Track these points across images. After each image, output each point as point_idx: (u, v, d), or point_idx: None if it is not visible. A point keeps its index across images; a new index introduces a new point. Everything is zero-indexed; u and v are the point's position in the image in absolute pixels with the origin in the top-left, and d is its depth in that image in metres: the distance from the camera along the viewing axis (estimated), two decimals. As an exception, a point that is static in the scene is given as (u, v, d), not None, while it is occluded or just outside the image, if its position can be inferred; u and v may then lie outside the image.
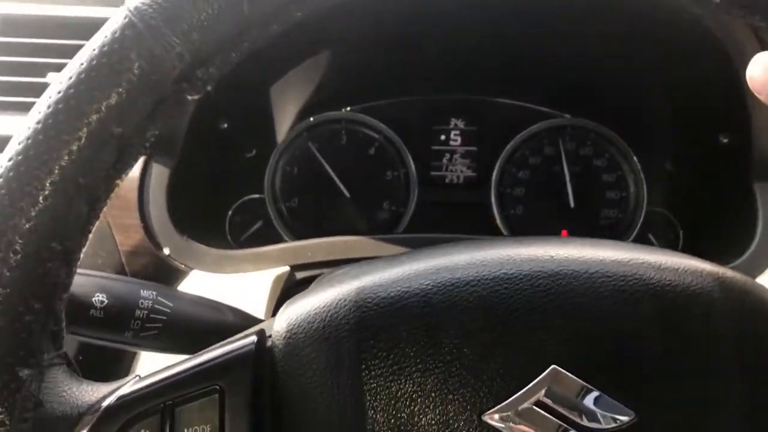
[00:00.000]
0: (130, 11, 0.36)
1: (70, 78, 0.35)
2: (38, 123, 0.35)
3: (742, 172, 0.83)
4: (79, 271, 0.60)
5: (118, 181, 0.38)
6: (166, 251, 0.78)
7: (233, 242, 0.99)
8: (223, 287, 0.88)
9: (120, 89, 0.35)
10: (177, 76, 0.36)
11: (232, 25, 0.36)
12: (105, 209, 0.78)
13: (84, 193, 0.37)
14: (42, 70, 0.78)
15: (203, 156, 0.88)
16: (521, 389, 0.37)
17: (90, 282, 0.56)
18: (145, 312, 0.56)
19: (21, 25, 0.82)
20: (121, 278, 0.59)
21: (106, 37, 0.36)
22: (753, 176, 0.83)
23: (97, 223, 0.78)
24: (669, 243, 0.99)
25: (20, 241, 0.35)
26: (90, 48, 0.36)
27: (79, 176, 0.36)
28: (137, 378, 0.39)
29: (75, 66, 0.36)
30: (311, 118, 1.02)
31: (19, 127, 0.36)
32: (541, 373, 0.37)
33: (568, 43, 0.94)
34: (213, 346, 0.40)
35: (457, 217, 1.03)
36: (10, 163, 0.35)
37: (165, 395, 0.38)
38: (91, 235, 0.77)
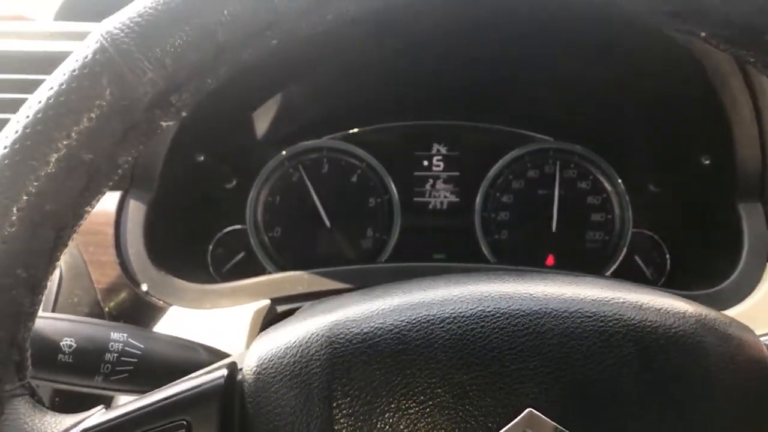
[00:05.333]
0: (102, 36, 0.35)
1: (39, 102, 0.34)
2: (5, 148, 0.34)
3: (726, 192, 0.83)
4: (46, 315, 0.59)
5: (87, 208, 0.37)
6: (144, 287, 0.77)
7: (215, 274, 0.98)
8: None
9: (90, 114, 0.34)
10: (149, 102, 0.35)
11: (206, 52, 0.36)
12: (81, 246, 0.77)
13: (51, 220, 0.36)
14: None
15: (181, 189, 0.87)
16: None
17: (57, 326, 0.54)
18: (116, 355, 0.55)
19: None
20: (90, 321, 0.57)
21: (77, 61, 0.35)
22: (737, 197, 0.82)
23: (72, 260, 0.77)
24: (656, 265, 0.98)
25: None
26: (60, 72, 0.35)
27: (46, 203, 0.35)
28: (103, 410, 0.38)
29: (44, 90, 0.35)
30: (292, 147, 1.01)
31: None
32: (516, 416, 0.36)
33: (550, 68, 0.94)
34: (183, 379, 0.39)
35: (442, 243, 1.02)
36: None
37: (130, 430, 0.36)
38: (63, 269, 0.76)
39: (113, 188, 0.81)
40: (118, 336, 0.56)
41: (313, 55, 0.90)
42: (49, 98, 0.34)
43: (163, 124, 0.37)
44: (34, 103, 0.35)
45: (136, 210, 0.80)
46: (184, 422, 0.36)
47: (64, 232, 0.37)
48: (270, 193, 1.01)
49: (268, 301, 0.78)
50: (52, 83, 0.35)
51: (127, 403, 0.38)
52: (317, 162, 1.02)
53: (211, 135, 0.89)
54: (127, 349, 0.55)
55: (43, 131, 0.34)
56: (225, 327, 0.77)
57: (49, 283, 0.75)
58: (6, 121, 0.36)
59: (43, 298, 0.39)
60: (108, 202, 0.80)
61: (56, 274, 0.76)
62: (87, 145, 0.35)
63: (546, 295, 0.40)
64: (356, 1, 0.38)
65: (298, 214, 1.01)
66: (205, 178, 0.94)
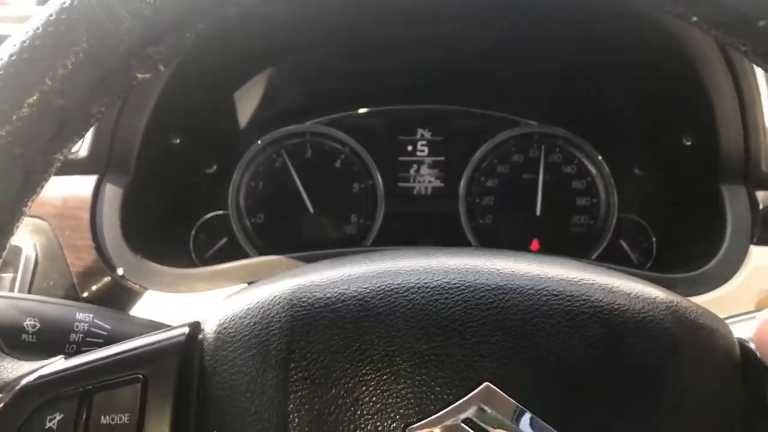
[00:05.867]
0: None
1: (14, 46, 0.34)
2: None
3: (709, 174, 0.82)
4: (9, 294, 0.58)
5: (58, 156, 0.37)
6: (120, 271, 0.76)
7: (198, 260, 0.97)
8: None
9: (66, 61, 0.34)
10: (125, 51, 0.35)
11: (185, 5, 0.35)
12: (57, 229, 0.77)
13: (20, 163, 0.35)
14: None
15: (159, 174, 0.86)
16: (452, 404, 0.35)
17: (22, 306, 0.54)
18: (81, 335, 0.54)
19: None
20: (56, 301, 0.57)
21: (54, 7, 0.34)
22: (720, 178, 0.81)
23: (48, 243, 0.77)
24: (642, 249, 0.97)
25: None
26: (38, 18, 0.34)
27: (17, 147, 0.35)
28: (62, 359, 0.38)
29: (21, 34, 0.34)
30: (274, 132, 1.00)
31: None
32: (473, 390, 0.35)
33: (534, 53, 0.93)
34: (145, 334, 0.39)
35: (426, 228, 1.01)
36: None
37: (85, 380, 0.36)
38: (39, 252, 0.76)
39: (90, 172, 0.81)
40: (83, 317, 0.55)
41: (294, 35, 0.90)
42: (24, 42, 0.34)
43: (139, 76, 0.36)
44: (9, 47, 0.34)
45: (113, 194, 0.79)
46: (141, 376, 0.36)
47: (32, 177, 0.36)
48: (252, 179, 1.00)
49: (245, 286, 0.78)
50: (28, 28, 0.34)
51: (85, 353, 0.38)
52: (300, 147, 1.01)
53: (189, 116, 0.88)
54: (92, 329, 0.55)
55: (16, 74, 0.34)
56: (201, 312, 0.76)
57: (23, 264, 0.75)
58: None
59: (8, 244, 0.37)
60: (84, 186, 0.79)
61: (32, 256, 0.76)
62: (60, 91, 0.34)
63: (513, 271, 0.39)
64: None
65: (282, 200, 1.00)
66: (184, 162, 0.93)
